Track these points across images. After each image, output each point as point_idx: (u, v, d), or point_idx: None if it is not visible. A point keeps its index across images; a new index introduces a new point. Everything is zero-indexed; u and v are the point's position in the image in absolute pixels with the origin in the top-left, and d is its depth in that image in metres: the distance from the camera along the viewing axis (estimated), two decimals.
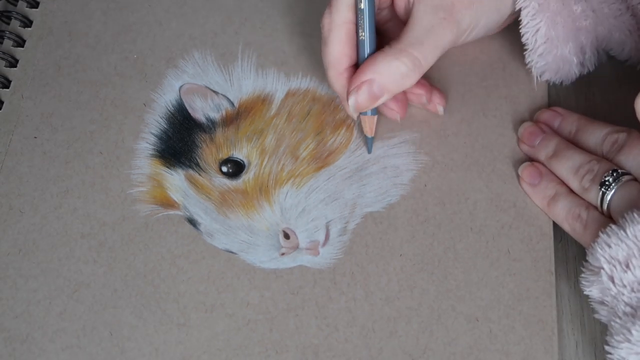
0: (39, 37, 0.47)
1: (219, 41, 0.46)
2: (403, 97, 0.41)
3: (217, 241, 0.40)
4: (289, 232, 0.39)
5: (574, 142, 0.39)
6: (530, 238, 0.38)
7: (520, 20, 0.39)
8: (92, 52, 0.46)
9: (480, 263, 0.38)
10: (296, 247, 0.39)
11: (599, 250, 0.32)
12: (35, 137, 0.44)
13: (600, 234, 0.33)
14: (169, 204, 0.41)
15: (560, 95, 0.43)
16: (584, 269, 0.34)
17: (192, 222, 0.40)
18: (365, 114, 0.39)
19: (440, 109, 0.42)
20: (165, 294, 0.38)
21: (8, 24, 0.48)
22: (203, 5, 0.48)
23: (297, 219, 0.40)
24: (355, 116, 0.39)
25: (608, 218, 0.35)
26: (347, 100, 0.38)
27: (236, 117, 0.43)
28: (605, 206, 0.35)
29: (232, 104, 0.44)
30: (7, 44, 0.47)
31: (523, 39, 0.39)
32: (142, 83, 0.45)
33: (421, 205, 0.40)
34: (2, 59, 0.46)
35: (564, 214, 0.37)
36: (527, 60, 0.40)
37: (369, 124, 0.40)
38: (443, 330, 0.36)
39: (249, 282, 0.38)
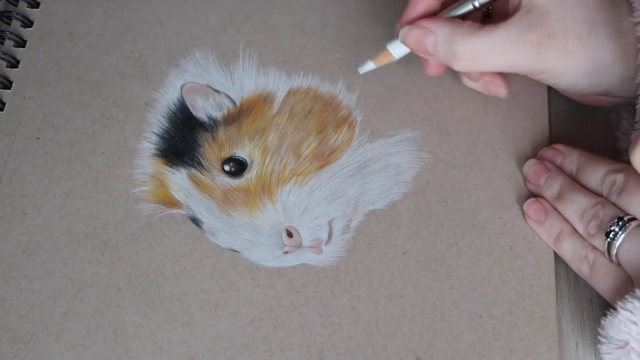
0: (39, 37, 0.47)
1: (220, 40, 0.46)
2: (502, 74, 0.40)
3: (220, 240, 0.40)
4: (292, 230, 0.39)
5: (576, 181, 0.38)
6: (532, 235, 0.38)
7: None
8: (93, 52, 0.46)
9: (483, 260, 0.38)
10: (299, 246, 0.39)
11: (624, 328, 0.31)
12: (38, 138, 0.44)
13: (621, 309, 0.31)
14: (171, 203, 0.41)
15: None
16: (603, 340, 0.32)
17: (195, 221, 0.40)
18: (396, 50, 0.39)
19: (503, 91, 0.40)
20: (169, 293, 0.38)
21: (9, 24, 0.48)
22: (204, 4, 0.48)
23: (300, 217, 0.40)
24: (403, 41, 0.38)
25: (617, 265, 0.34)
26: (399, 28, 0.37)
27: (238, 115, 0.43)
28: (612, 255, 0.34)
29: (233, 102, 0.44)
30: (8, 44, 0.47)
31: None
32: (143, 82, 0.45)
33: (424, 202, 0.40)
34: (3, 59, 0.46)
35: (570, 254, 0.36)
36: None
37: (385, 57, 0.40)
38: (447, 327, 0.37)
39: (252, 281, 0.38)
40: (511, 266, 0.38)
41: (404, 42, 0.37)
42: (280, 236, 0.39)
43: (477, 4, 0.37)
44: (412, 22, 0.37)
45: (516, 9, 0.35)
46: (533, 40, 0.34)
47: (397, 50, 0.39)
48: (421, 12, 0.38)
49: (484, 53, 0.35)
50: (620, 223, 0.34)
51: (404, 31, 0.37)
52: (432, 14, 0.38)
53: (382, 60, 0.40)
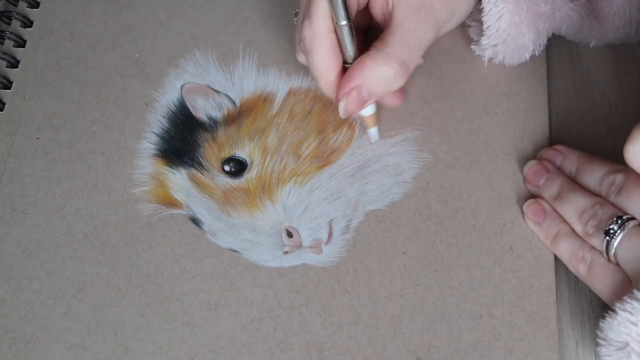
0: (39, 37, 0.47)
1: (220, 40, 0.46)
2: None
3: (220, 240, 0.40)
4: (292, 230, 0.39)
5: (575, 182, 0.38)
6: (532, 235, 0.38)
7: (483, 8, 0.39)
8: (93, 52, 0.46)
9: (483, 260, 0.38)
10: (299, 246, 0.39)
11: (624, 329, 0.31)
12: (38, 138, 0.44)
13: (620, 310, 0.31)
14: (171, 203, 0.41)
15: (561, 96, 0.43)
16: (602, 342, 0.32)
17: (195, 221, 0.40)
18: (364, 113, 0.40)
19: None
20: (169, 293, 0.38)
21: (9, 24, 0.48)
22: (204, 4, 0.48)
23: (300, 218, 0.40)
24: (345, 117, 0.39)
25: (615, 265, 0.34)
26: (337, 104, 0.38)
27: (238, 116, 0.43)
28: (611, 254, 0.34)
29: (233, 103, 0.44)
30: (8, 44, 0.47)
31: (485, 26, 0.40)
32: (143, 83, 0.45)
33: (423, 202, 0.40)
34: (3, 59, 0.46)
35: (568, 255, 0.36)
36: (484, 42, 0.41)
37: (370, 121, 0.40)
38: (447, 327, 0.37)
39: (252, 281, 0.38)
40: (511, 266, 0.38)
41: (349, 113, 0.38)
42: (280, 236, 0.39)
43: (343, 22, 0.36)
44: (339, 95, 0.37)
45: (388, 9, 0.38)
46: (426, 15, 0.37)
47: (368, 112, 0.40)
48: (338, 78, 0.38)
49: (410, 55, 0.37)
50: (619, 222, 0.34)
51: (342, 105, 0.37)
52: (343, 65, 0.38)
53: (370, 122, 0.41)
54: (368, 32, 0.42)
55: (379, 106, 0.42)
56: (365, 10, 0.40)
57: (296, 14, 0.40)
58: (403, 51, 0.36)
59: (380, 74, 0.36)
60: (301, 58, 0.40)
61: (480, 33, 0.41)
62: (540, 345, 0.36)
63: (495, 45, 0.41)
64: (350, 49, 0.37)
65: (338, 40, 0.37)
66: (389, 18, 0.37)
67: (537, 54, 0.42)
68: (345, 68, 0.38)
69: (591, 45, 0.43)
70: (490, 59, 0.43)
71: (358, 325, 0.37)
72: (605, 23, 0.41)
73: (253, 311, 0.38)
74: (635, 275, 0.33)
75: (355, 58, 0.37)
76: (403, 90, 0.41)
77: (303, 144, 0.42)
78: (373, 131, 0.41)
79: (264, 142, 0.42)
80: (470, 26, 0.43)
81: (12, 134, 0.44)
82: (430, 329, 0.37)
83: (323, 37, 0.37)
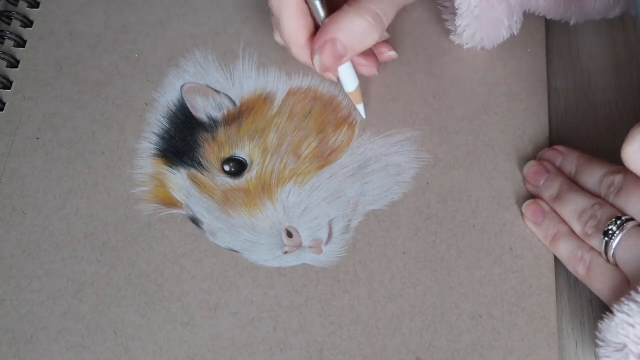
0: (39, 37, 0.47)
1: (220, 40, 0.46)
2: (371, 52, 0.41)
3: (220, 240, 0.40)
4: (292, 230, 0.39)
5: (575, 182, 0.38)
6: (532, 235, 0.38)
7: None
8: (93, 52, 0.46)
9: (483, 260, 0.38)
10: (299, 246, 0.39)
11: (621, 331, 0.31)
12: (38, 138, 0.44)
13: (618, 312, 0.31)
14: (171, 203, 0.41)
15: (561, 96, 0.43)
16: (601, 343, 0.32)
17: (195, 221, 0.40)
18: (348, 89, 0.40)
19: (392, 53, 0.43)
20: (169, 293, 0.38)
21: (9, 24, 0.48)
22: (204, 4, 0.48)
23: (300, 218, 0.40)
24: (323, 75, 0.39)
25: (614, 266, 0.34)
26: (312, 61, 0.38)
27: (238, 116, 0.43)
28: (610, 255, 0.34)
29: (233, 103, 0.44)
30: (8, 44, 0.47)
31: (457, 4, 0.40)
32: (143, 83, 0.45)
33: (424, 203, 0.40)
34: (3, 59, 0.46)
35: (567, 255, 0.36)
36: (458, 23, 0.41)
37: (355, 97, 0.41)
38: (447, 328, 0.37)
39: (252, 281, 0.38)
40: (511, 266, 0.38)
41: (325, 68, 0.38)
42: (280, 236, 0.39)
43: None
44: (314, 48, 0.37)
45: None
46: None
47: (347, 83, 0.40)
48: (309, 42, 0.38)
49: (383, 9, 0.37)
50: (618, 223, 0.34)
51: (317, 60, 0.37)
52: (313, 34, 0.38)
53: (356, 98, 0.41)
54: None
55: (365, 90, 0.42)
56: None
57: None
58: (376, 5, 0.36)
59: (354, 26, 0.36)
60: (277, 37, 0.40)
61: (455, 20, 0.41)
62: (540, 345, 0.36)
63: (469, 25, 0.41)
64: (320, 11, 0.37)
65: (308, 6, 0.37)
66: None
67: (515, 32, 0.42)
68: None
69: (572, 23, 0.43)
70: (471, 47, 0.43)
71: (358, 325, 0.37)
72: None
73: (253, 311, 0.38)
74: (634, 276, 0.33)
75: None
76: (376, 58, 0.42)
77: (303, 144, 0.42)
78: (361, 107, 0.42)
79: (264, 142, 0.42)
80: (447, 20, 0.44)
81: (12, 134, 0.44)
82: (430, 329, 0.37)
83: (290, 3, 0.37)
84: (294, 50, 0.38)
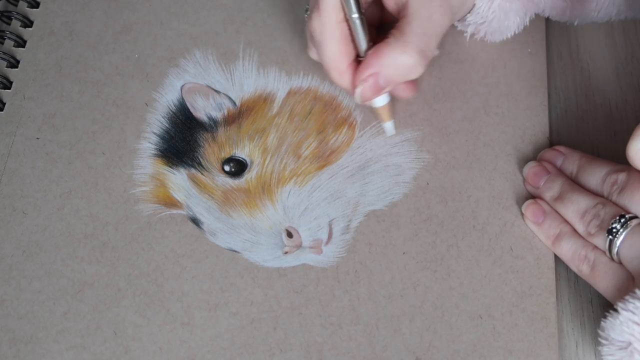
0: (39, 37, 0.47)
1: (220, 40, 0.46)
2: None
3: (220, 240, 0.40)
4: (292, 230, 0.39)
5: (576, 182, 0.38)
6: (532, 235, 0.38)
7: None
8: (93, 52, 0.46)
9: (483, 261, 0.38)
10: (299, 246, 0.39)
11: (626, 329, 0.31)
12: (38, 138, 0.44)
13: (622, 310, 0.31)
14: (171, 203, 0.41)
15: (561, 96, 0.43)
16: (604, 341, 0.32)
17: (195, 221, 0.40)
18: (377, 104, 0.40)
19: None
20: (168, 293, 0.38)
21: (9, 24, 0.48)
22: (204, 4, 0.48)
23: (300, 218, 0.40)
24: (361, 103, 0.39)
25: (618, 263, 0.34)
26: (353, 93, 0.38)
27: (238, 116, 0.43)
28: (614, 253, 0.34)
29: (233, 103, 0.44)
30: (8, 44, 0.47)
31: (477, 10, 0.40)
32: (143, 83, 0.45)
33: (424, 203, 0.40)
34: (3, 59, 0.46)
35: (570, 254, 0.36)
36: (468, 19, 0.41)
37: (384, 113, 0.41)
38: (447, 328, 0.37)
39: (252, 281, 0.38)
40: (511, 267, 0.38)
41: (365, 99, 0.38)
42: (280, 236, 0.39)
43: (354, 15, 0.36)
44: (357, 81, 0.37)
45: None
46: (440, 3, 0.37)
47: (381, 103, 0.40)
48: (350, 67, 0.38)
49: (427, 44, 0.37)
50: (621, 221, 0.34)
51: (358, 91, 0.37)
52: (356, 58, 0.38)
53: (385, 114, 0.41)
54: (380, 29, 0.42)
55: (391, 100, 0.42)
56: (377, 3, 0.40)
57: (307, 11, 0.40)
58: (421, 40, 0.36)
59: (399, 62, 0.36)
60: (313, 54, 0.40)
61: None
62: (540, 345, 0.36)
63: (481, 23, 0.41)
64: (363, 41, 0.37)
65: (350, 33, 0.37)
66: (403, 8, 0.37)
67: (517, 33, 0.43)
68: (358, 62, 0.38)
69: (575, 24, 0.44)
70: (472, 35, 0.43)
71: (358, 325, 0.37)
72: (589, 4, 0.42)
73: (253, 311, 0.38)
74: (638, 272, 0.33)
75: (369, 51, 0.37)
76: (416, 81, 0.41)
77: (303, 144, 0.42)
78: (389, 125, 0.41)
79: (264, 142, 0.42)
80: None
81: (12, 134, 0.44)
82: (430, 329, 0.37)
83: (333, 27, 0.37)
84: (334, 74, 0.38)
